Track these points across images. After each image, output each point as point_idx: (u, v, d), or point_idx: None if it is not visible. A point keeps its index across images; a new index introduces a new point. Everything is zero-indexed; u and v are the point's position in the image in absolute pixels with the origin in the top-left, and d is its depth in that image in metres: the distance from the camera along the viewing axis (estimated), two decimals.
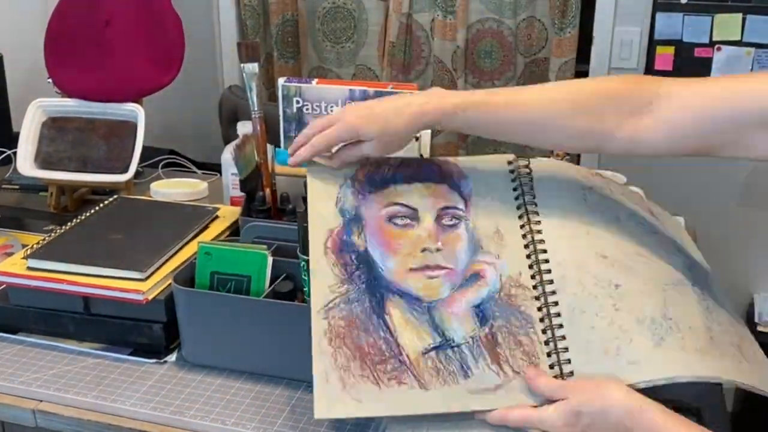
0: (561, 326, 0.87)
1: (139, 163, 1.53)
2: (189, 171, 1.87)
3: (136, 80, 1.57)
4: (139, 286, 1.06)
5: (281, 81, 1.29)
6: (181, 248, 1.17)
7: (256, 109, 1.24)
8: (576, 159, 2.33)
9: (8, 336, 1.13)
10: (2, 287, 1.15)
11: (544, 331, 0.88)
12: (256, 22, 2.62)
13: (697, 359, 0.82)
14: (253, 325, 1.02)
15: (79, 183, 1.56)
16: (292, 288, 1.06)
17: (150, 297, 1.06)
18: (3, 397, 1.01)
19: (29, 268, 1.11)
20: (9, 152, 1.75)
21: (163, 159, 1.86)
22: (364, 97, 1.27)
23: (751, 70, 2.21)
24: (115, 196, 1.35)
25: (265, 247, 1.08)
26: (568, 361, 0.85)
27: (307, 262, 0.96)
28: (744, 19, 2.18)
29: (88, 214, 1.26)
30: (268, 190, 1.24)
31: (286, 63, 2.67)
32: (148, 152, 1.68)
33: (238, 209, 1.30)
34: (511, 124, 0.93)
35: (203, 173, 1.80)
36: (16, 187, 1.72)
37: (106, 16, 1.59)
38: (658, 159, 0.95)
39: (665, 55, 2.28)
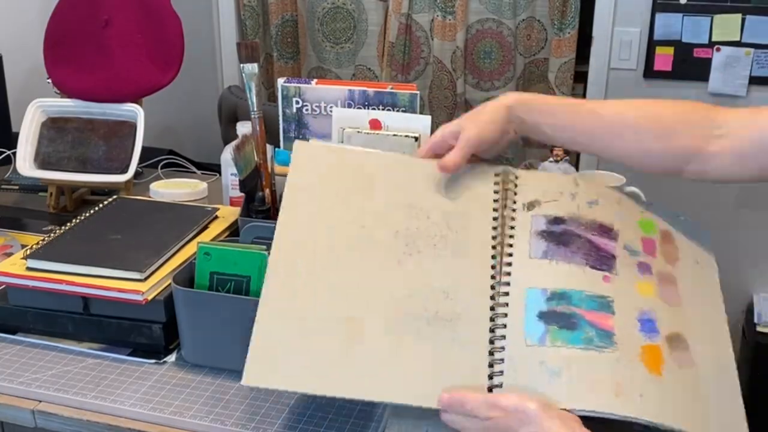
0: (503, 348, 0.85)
1: (138, 164, 1.53)
2: (188, 171, 1.87)
3: (136, 80, 1.57)
4: (138, 286, 1.06)
5: (281, 81, 1.29)
6: (180, 249, 1.17)
7: (255, 109, 1.24)
8: (575, 158, 2.33)
9: (7, 336, 1.13)
10: (1, 287, 1.15)
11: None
12: (256, 23, 2.62)
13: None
14: (252, 326, 1.02)
15: (78, 183, 1.56)
16: None
17: (149, 297, 1.06)
18: (2, 397, 1.01)
19: (28, 269, 1.11)
20: (8, 152, 1.75)
21: (163, 159, 1.86)
22: (363, 97, 1.27)
23: (751, 70, 2.21)
24: (115, 197, 1.35)
25: (264, 247, 1.08)
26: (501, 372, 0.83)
27: None
28: (743, 20, 2.19)
29: (87, 214, 1.26)
30: (267, 191, 1.24)
31: (286, 63, 2.68)
32: (147, 152, 1.68)
33: (237, 209, 1.30)
34: (590, 130, 0.95)
35: (203, 173, 1.80)
36: (16, 187, 1.72)
37: (105, 16, 1.59)
38: None
39: (664, 56, 2.28)
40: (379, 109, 1.27)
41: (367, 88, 1.27)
